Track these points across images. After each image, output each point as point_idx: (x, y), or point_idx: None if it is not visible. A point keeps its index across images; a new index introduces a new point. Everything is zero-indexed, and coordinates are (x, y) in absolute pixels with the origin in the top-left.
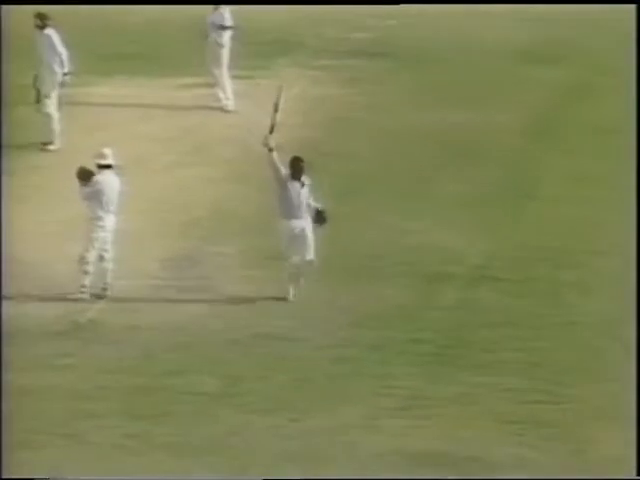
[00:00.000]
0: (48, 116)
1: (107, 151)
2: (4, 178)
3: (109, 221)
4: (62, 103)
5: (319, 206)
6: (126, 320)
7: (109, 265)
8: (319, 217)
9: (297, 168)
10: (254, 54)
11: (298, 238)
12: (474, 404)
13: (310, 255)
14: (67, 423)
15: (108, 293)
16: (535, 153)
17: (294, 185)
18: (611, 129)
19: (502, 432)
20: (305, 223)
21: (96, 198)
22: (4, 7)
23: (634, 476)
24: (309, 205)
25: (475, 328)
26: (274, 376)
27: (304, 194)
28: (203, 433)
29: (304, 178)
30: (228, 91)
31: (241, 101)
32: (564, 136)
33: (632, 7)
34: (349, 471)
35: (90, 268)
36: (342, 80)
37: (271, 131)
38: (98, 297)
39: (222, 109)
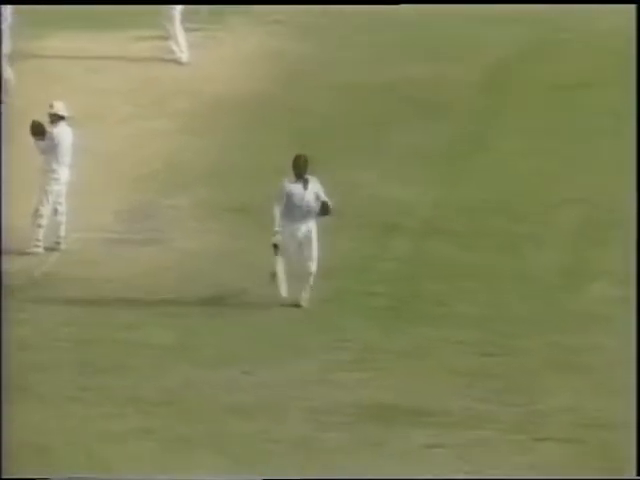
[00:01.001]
0: None
1: (60, 103)
2: None
3: (63, 174)
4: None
5: (326, 199)
6: (80, 273)
7: (63, 218)
8: (322, 209)
9: (300, 167)
10: (208, 7)
11: (302, 242)
12: (427, 357)
13: (313, 267)
14: (21, 376)
15: (62, 246)
16: (489, 107)
17: (297, 188)
18: (566, 85)
19: (454, 385)
20: (310, 226)
21: (52, 151)
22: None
23: (634, 476)
24: (317, 198)
25: (427, 280)
26: (228, 329)
27: (308, 196)
28: (157, 386)
29: (308, 178)
30: (182, 44)
31: (195, 53)
32: (518, 91)
33: (632, 7)
34: (302, 424)
35: (44, 222)
36: (298, 34)
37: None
38: (52, 250)
39: (176, 61)
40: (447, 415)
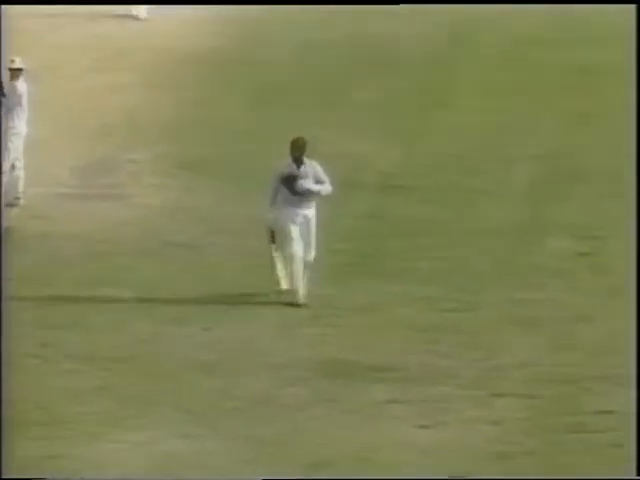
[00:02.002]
0: None
1: (17, 57)
2: None
3: (22, 129)
4: None
5: (322, 187)
6: (39, 228)
7: (22, 173)
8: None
9: (298, 149)
10: None
11: (301, 227)
12: (386, 313)
13: (310, 256)
14: None
15: (21, 202)
16: (448, 63)
17: (293, 171)
18: (526, 40)
19: (414, 340)
20: (308, 212)
21: (13, 107)
22: None
23: (634, 476)
24: (317, 183)
25: (388, 237)
26: (187, 285)
27: (306, 180)
28: (116, 342)
29: (306, 161)
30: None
31: (153, 9)
32: (478, 47)
33: (632, 7)
34: (260, 380)
35: (4, 178)
36: None
37: None
38: (11, 206)
39: (134, 17)
40: (406, 371)
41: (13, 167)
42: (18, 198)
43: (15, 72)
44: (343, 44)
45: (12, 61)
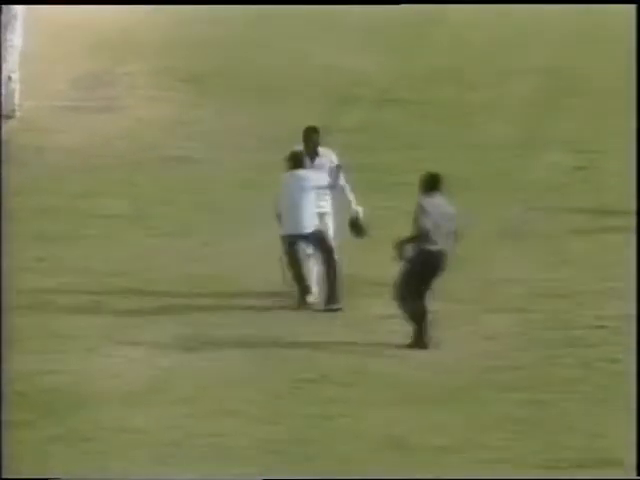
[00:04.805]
0: None
1: None
2: None
3: (17, 42)
4: None
5: (356, 210)
6: (35, 141)
7: (17, 86)
8: (354, 227)
9: (310, 141)
10: None
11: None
12: (382, 228)
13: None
14: None
15: (17, 114)
16: None
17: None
18: None
19: None
20: (323, 205)
21: (8, 21)
22: None
23: (634, 476)
24: (331, 174)
25: (381, 151)
26: (182, 199)
27: (318, 174)
28: (112, 256)
29: (321, 152)
30: None
31: None
32: None
33: (632, 7)
34: (254, 297)
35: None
36: None
37: None
38: (7, 118)
39: None
40: None
41: (9, 79)
42: (14, 110)
43: None
44: None
45: None
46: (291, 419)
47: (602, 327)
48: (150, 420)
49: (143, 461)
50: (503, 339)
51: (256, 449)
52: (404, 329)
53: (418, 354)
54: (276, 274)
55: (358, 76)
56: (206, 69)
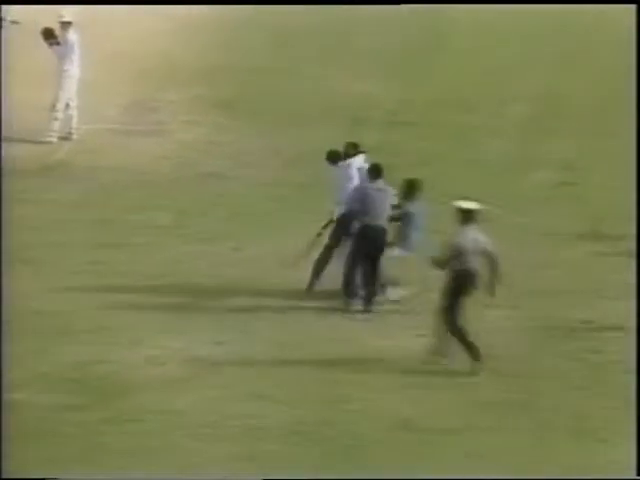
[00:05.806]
0: None
1: (64, 11)
2: None
3: (75, 72)
4: None
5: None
6: (89, 161)
7: (74, 112)
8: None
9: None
10: None
11: None
12: None
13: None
14: (31, 249)
15: (74, 137)
16: (448, 8)
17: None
18: None
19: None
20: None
21: (66, 53)
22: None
23: (634, 476)
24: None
25: (391, 168)
26: (216, 211)
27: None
28: (155, 261)
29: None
30: None
31: None
32: None
33: (632, 7)
34: (286, 292)
35: (60, 115)
36: None
37: None
38: (65, 139)
39: None
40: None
41: (67, 106)
42: (71, 133)
43: (65, 25)
44: None
45: (61, 16)
46: (313, 403)
47: (590, 322)
48: (188, 403)
49: (182, 440)
50: (499, 332)
51: (281, 429)
52: (406, 323)
53: (421, 347)
54: (295, 275)
55: (370, 100)
56: (235, 95)
